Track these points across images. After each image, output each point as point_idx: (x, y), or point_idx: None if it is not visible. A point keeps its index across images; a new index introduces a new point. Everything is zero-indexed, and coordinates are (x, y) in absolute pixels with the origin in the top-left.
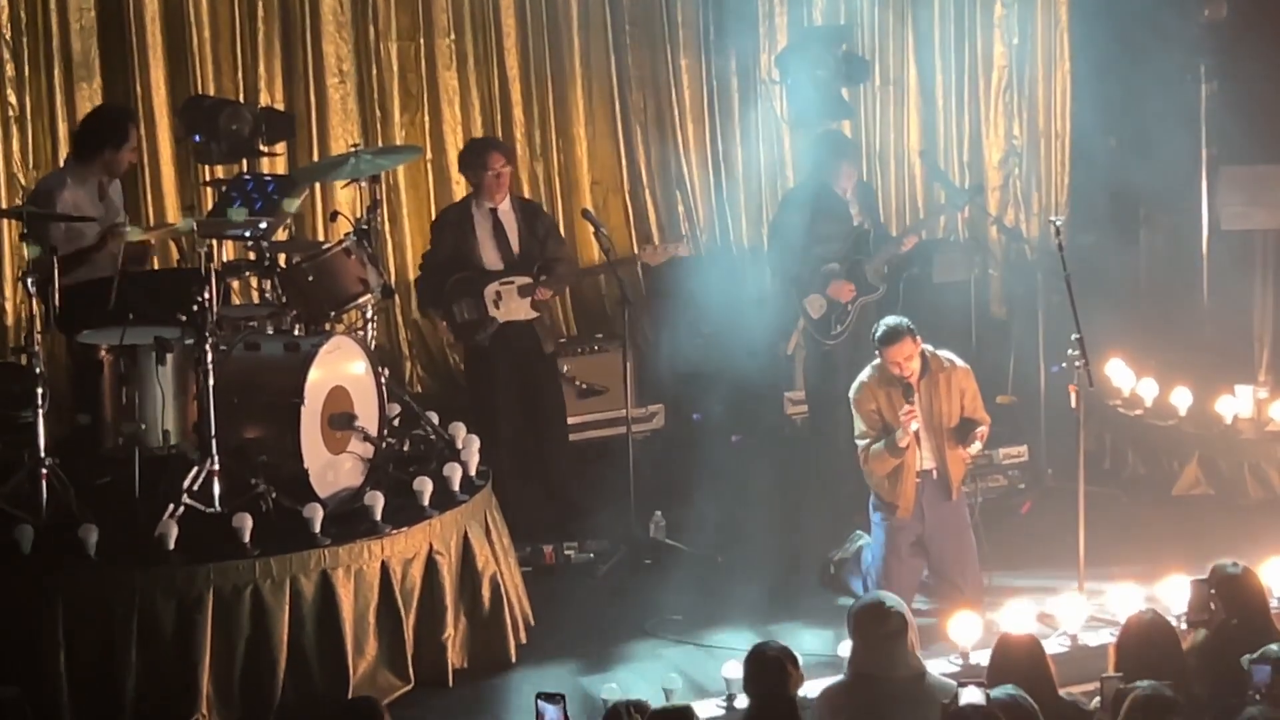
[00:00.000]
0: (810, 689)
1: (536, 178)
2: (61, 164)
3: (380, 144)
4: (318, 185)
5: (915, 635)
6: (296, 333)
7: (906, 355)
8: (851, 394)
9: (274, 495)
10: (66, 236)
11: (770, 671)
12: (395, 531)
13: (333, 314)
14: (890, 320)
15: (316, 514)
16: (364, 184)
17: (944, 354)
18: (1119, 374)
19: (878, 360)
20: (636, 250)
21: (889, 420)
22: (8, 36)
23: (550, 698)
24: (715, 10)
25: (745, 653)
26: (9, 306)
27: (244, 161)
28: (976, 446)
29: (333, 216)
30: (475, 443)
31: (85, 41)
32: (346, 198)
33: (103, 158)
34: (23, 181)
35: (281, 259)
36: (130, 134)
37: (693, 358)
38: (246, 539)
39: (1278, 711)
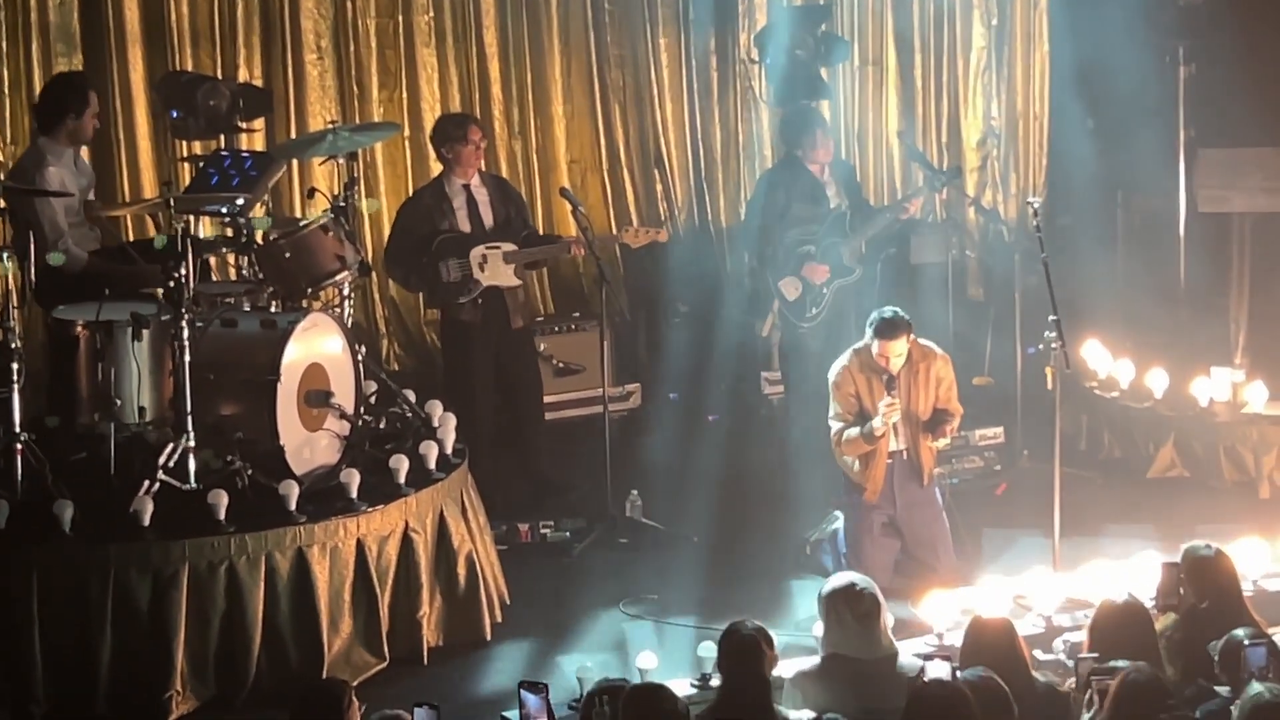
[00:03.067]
0: (784, 669)
1: (515, 156)
2: (31, 142)
3: (358, 121)
4: (295, 162)
5: (888, 616)
6: (273, 309)
7: (899, 352)
8: (831, 376)
9: (250, 472)
10: (62, 214)
11: (745, 651)
12: (371, 509)
13: (310, 291)
14: (889, 313)
15: (292, 491)
16: (341, 161)
17: (925, 342)
18: (1095, 356)
19: (860, 344)
20: (615, 231)
21: (866, 406)
22: None
23: (533, 687)
24: None
25: (720, 632)
26: None
27: (221, 137)
28: (944, 442)
29: (310, 193)
30: (451, 420)
31: (64, 16)
32: (324, 174)
33: (66, 127)
34: None
35: (259, 235)
36: (90, 99)
37: (670, 337)
38: (222, 516)
39: None
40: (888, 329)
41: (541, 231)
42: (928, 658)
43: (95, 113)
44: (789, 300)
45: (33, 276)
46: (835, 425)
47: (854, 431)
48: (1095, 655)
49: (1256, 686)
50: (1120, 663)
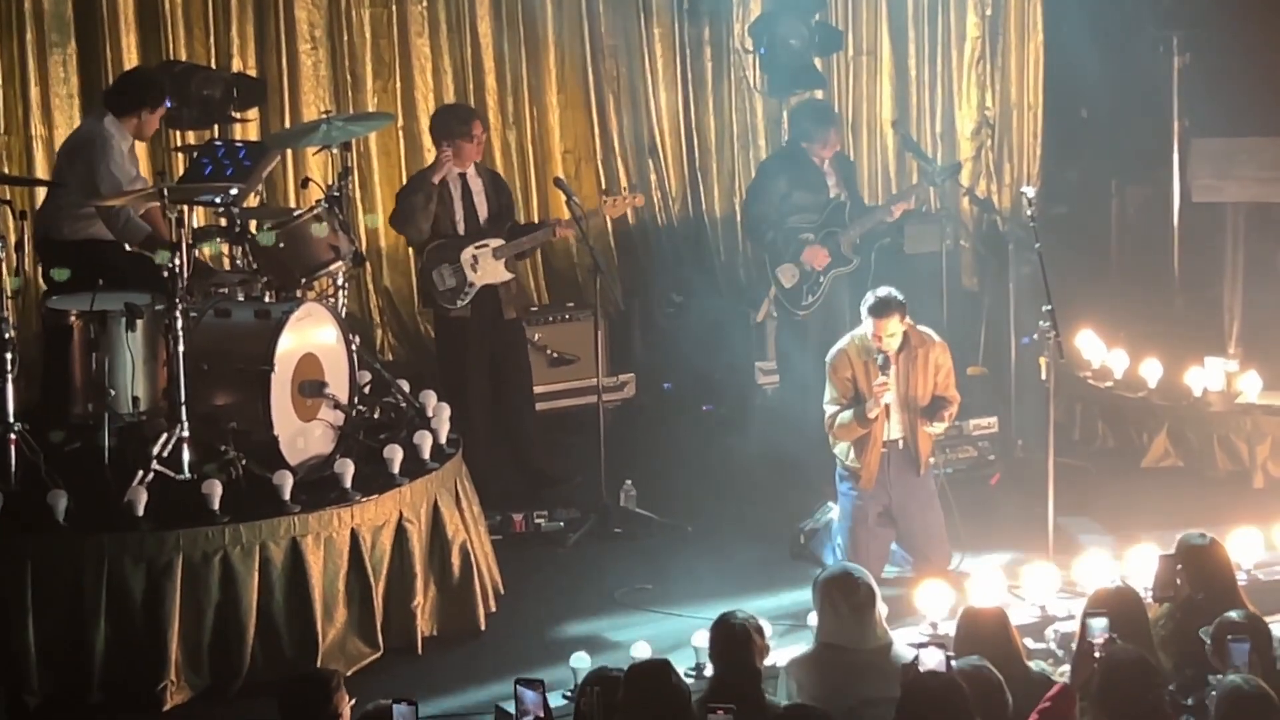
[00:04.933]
0: (778, 658)
1: (509, 145)
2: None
3: (352, 110)
4: (289, 152)
5: (882, 606)
6: (267, 300)
7: (892, 331)
8: (828, 360)
9: (244, 462)
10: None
11: (735, 641)
12: (365, 499)
13: (303, 281)
14: (883, 292)
15: (286, 481)
16: (335, 151)
17: (923, 329)
18: (1089, 346)
19: (859, 329)
20: (600, 203)
21: (863, 390)
22: None
23: (529, 683)
24: None
25: (713, 622)
26: None
27: (215, 127)
28: (941, 426)
29: (304, 183)
30: (445, 410)
31: (58, 5)
32: (318, 164)
33: (138, 118)
34: None
35: (252, 226)
36: (166, 100)
37: (664, 326)
38: (216, 506)
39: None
40: (880, 307)
41: (535, 222)
42: (921, 646)
43: (163, 115)
44: (786, 287)
45: (27, 264)
46: (830, 409)
47: (848, 415)
48: (1103, 610)
49: (1234, 678)
50: (1122, 646)
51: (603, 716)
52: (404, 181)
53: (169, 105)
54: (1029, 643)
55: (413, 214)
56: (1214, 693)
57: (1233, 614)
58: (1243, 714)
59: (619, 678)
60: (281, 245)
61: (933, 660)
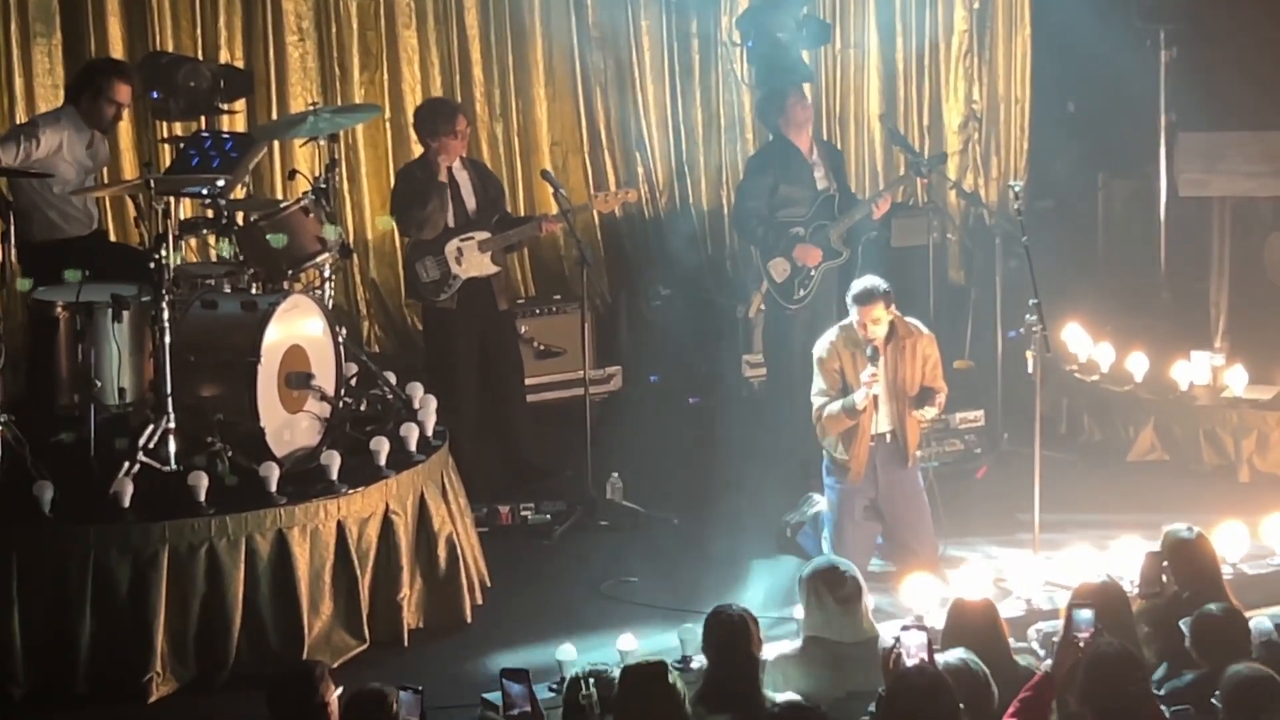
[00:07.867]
0: (765, 652)
1: (496, 138)
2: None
3: (339, 102)
4: (276, 143)
5: (868, 599)
6: (254, 291)
7: (875, 318)
8: (816, 351)
9: (230, 454)
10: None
11: (733, 631)
12: (351, 491)
13: (290, 272)
14: (868, 280)
15: (272, 473)
16: (322, 142)
17: (911, 320)
18: (1076, 339)
19: (847, 320)
20: (590, 198)
21: (850, 382)
22: None
23: (514, 674)
24: None
25: (700, 615)
26: None
27: (202, 119)
28: (932, 412)
29: (291, 175)
30: (432, 403)
31: None
32: (305, 156)
33: (81, 105)
34: None
35: (239, 217)
36: (109, 87)
37: (651, 319)
38: (202, 497)
39: (1266, 667)
40: (865, 295)
41: (522, 214)
42: (903, 629)
43: (116, 103)
44: (778, 282)
45: (14, 257)
46: (818, 401)
47: (836, 406)
48: (1089, 602)
49: (1239, 667)
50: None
51: (599, 713)
52: (393, 174)
53: (155, 96)
54: (1011, 641)
55: (428, 218)
56: (1189, 679)
57: (1212, 606)
58: (1251, 699)
59: (607, 672)
60: (269, 237)
61: (914, 643)
